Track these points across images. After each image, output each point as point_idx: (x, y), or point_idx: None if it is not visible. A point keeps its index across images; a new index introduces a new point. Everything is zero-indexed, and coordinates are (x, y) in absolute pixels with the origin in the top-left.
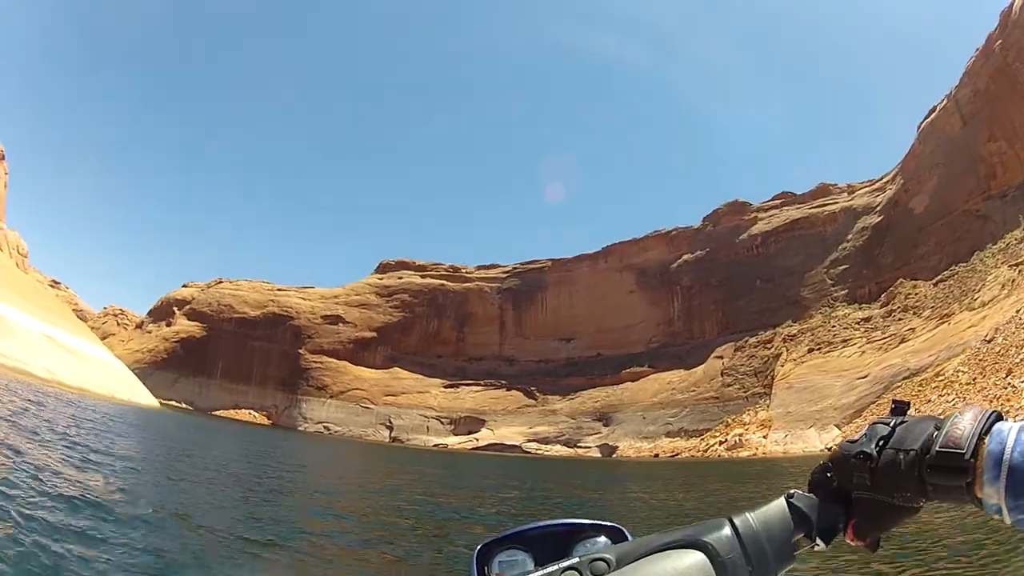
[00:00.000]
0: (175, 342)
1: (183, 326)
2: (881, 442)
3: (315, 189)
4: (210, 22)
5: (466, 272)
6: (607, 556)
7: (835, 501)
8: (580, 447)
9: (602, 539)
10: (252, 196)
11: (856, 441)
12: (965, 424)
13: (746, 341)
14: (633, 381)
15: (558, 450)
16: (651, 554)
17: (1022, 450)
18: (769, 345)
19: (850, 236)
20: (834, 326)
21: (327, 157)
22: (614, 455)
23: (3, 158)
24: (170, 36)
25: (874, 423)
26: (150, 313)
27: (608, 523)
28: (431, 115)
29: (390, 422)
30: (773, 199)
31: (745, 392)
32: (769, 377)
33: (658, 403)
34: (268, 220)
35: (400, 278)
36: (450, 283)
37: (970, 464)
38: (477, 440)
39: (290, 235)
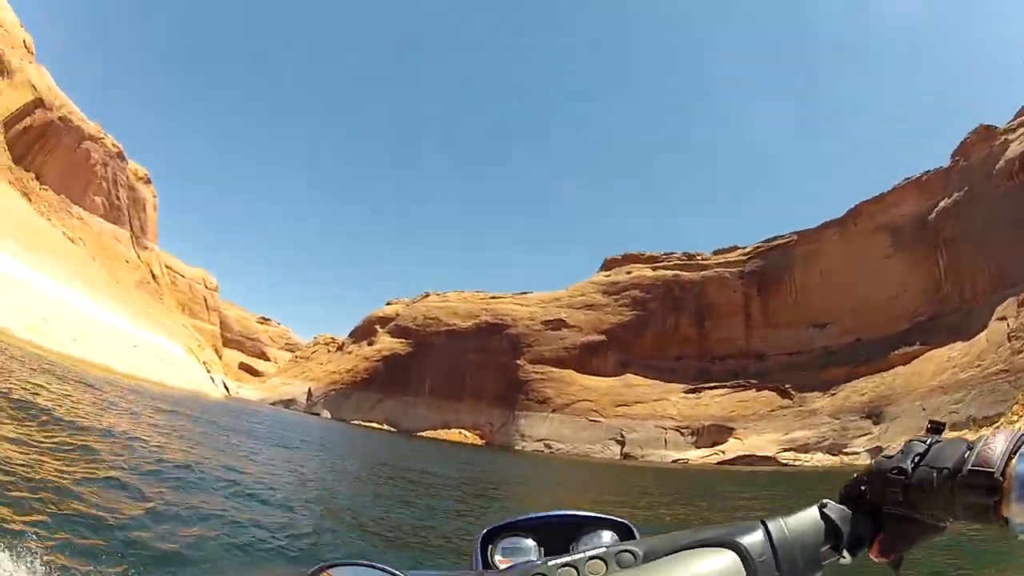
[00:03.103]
0: (376, 361)
1: (385, 343)
2: (917, 459)
3: (530, 193)
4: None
5: (702, 259)
6: (634, 549)
7: (865, 514)
8: (846, 452)
9: (608, 534)
10: (455, 208)
11: (892, 457)
12: (997, 444)
13: None
14: (904, 364)
15: (819, 459)
16: (682, 550)
17: None
18: None
19: None
20: None
21: (531, 162)
22: None
23: (149, 181)
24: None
25: (910, 440)
26: (352, 334)
27: (616, 518)
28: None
29: (621, 436)
30: (1017, 116)
31: None
32: None
33: (938, 387)
34: (476, 231)
35: (628, 272)
36: (685, 272)
37: (999, 483)
38: (723, 453)
39: (502, 245)
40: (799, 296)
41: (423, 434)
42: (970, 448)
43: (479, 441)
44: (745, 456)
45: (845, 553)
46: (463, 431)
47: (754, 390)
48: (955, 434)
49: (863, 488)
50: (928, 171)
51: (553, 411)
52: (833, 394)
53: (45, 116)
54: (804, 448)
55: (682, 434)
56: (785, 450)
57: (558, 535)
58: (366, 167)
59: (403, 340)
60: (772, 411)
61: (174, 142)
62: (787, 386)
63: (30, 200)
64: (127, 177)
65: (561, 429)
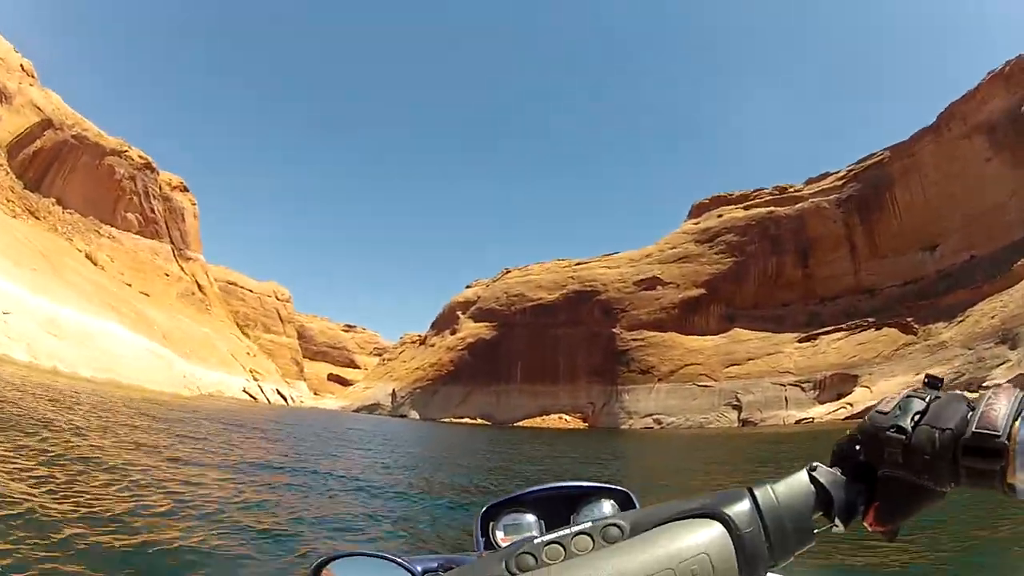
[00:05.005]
0: (461, 350)
1: (469, 330)
2: (917, 417)
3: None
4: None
5: (795, 190)
6: (620, 522)
7: (858, 478)
8: (987, 387)
9: (608, 503)
10: (529, 183)
11: (888, 413)
12: (1000, 406)
13: None
14: None
15: None
16: (667, 522)
17: None
18: None
19: None
20: None
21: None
22: None
23: (186, 189)
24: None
25: (908, 395)
26: (433, 325)
27: (616, 487)
28: None
29: (736, 400)
30: None
31: None
32: None
33: None
34: (552, 198)
35: (719, 216)
36: (779, 208)
37: (1004, 447)
38: (850, 406)
39: (581, 207)
40: (903, 216)
41: (520, 424)
42: (971, 408)
43: (582, 424)
44: (876, 406)
45: (837, 521)
46: (563, 415)
47: (873, 329)
48: None
49: (857, 448)
50: (1009, 60)
51: (659, 381)
52: (960, 321)
53: (56, 136)
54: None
55: (803, 389)
56: None
57: (559, 508)
58: (435, 155)
59: (487, 324)
60: (897, 350)
61: (249, 164)
62: (908, 319)
63: (38, 219)
64: (159, 188)
65: (668, 400)
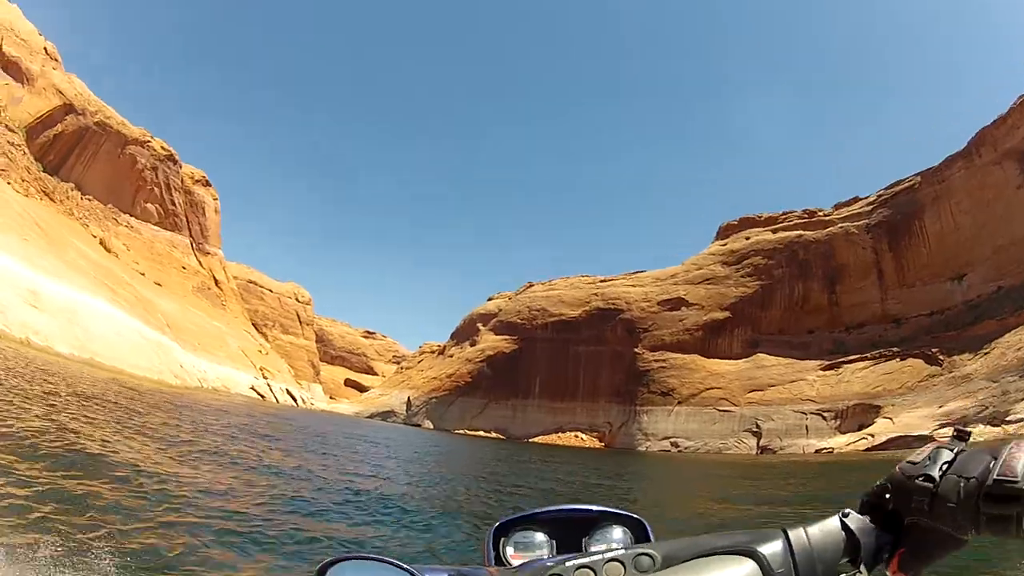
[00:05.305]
0: (480, 362)
1: (489, 342)
2: (945, 467)
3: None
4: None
5: (824, 215)
6: (652, 552)
7: (886, 527)
8: (1010, 421)
9: (621, 530)
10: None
11: (918, 463)
12: (1021, 455)
13: None
14: None
15: (980, 432)
16: (700, 556)
17: None
18: None
19: None
20: None
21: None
22: None
23: (208, 184)
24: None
25: (938, 447)
26: (453, 336)
27: (629, 514)
28: None
29: (756, 426)
30: None
31: None
32: None
33: None
34: (581, 213)
35: (747, 238)
36: (808, 232)
37: (1021, 492)
38: (871, 437)
39: (608, 224)
40: (933, 244)
41: (535, 440)
42: (995, 458)
43: (598, 444)
44: (897, 438)
45: (862, 567)
46: (579, 434)
47: (897, 359)
48: None
49: (886, 497)
50: None
51: (678, 403)
52: (986, 353)
53: (78, 121)
54: (962, 421)
55: (824, 418)
56: (942, 425)
57: (571, 530)
58: (466, 170)
59: (507, 337)
60: (921, 381)
61: (280, 168)
62: (934, 350)
63: (53, 201)
64: (181, 181)
65: (688, 424)
